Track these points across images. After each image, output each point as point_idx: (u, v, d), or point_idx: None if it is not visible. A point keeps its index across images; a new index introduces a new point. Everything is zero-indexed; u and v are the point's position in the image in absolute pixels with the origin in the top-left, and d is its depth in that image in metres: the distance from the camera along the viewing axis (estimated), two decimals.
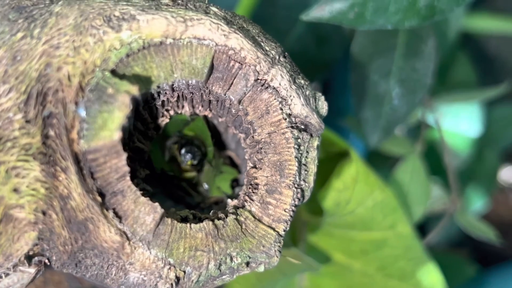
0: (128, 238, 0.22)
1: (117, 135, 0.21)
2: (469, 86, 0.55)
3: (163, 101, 0.25)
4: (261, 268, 0.25)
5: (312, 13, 0.31)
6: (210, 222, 0.24)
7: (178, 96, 0.25)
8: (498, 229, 0.48)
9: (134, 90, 0.21)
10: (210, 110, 0.27)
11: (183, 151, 0.29)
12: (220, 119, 0.27)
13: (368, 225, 0.38)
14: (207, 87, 0.24)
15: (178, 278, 0.24)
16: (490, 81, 0.57)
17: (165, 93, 0.24)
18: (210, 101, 0.26)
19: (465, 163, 0.57)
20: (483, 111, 0.56)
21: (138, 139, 0.26)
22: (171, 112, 0.26)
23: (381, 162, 0.48)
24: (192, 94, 0.25)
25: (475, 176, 0.60)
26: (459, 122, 0.55)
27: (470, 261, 0.64)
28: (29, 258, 0.23)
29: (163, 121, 0.26)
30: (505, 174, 0.70)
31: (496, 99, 0.52)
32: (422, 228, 0.54)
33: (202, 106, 0.26)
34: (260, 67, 0.24)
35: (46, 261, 0.23)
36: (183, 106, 0.26)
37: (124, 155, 0.21)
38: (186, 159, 0.29)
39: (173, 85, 0.24)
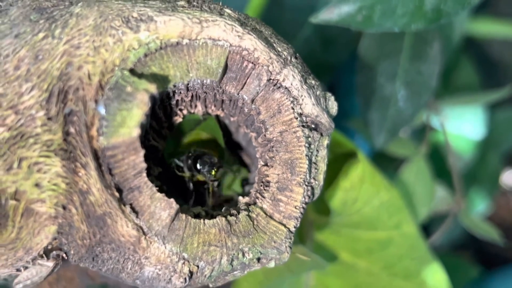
0: (144, 233, 0.23)
1: (135, 132, 0.22)
2: (472, 89, 0.56)
3: (177, 100, 0.26)
4: (272, 264, 0.26)
5: (321, 16, 0.32)
6: (223, 218, 0.25)
7: (192, 96, 0.26)
8: (500, 231, 0.48)
9: (153, 88, 0.22)
10: (222, 110, 0.27)
11: (198, 165, 0.28)
12: (231, 119, 0.28)
13: (374, 224, 0.38)
14: (220, 87, 0.25)
15: (191, 273, 0.24)
16: (493, 85, 0.58)
17: (180, 92, 0.25)
18: (222, 100, 0.26)
19: (468, 166, 0.58)
20: (486, 114, 0.57)
21: (153, 137, 0.27)
22: (185, 112, 0.27)
23: (386, 164, 0.49)
24: (206, 93, 0.25)
25: (478, 179, 0.61)
26: (463, 125, 0.56)
27: (473, 263, 0.64)
28: (47, 252, 0.23)
29: (177, 120, 0.27)
30: (507, 178, 0.71)
31: (498, 103, 0.53)
32: (426, 229, 0.54)
33: (215, 106, 0.27)
34: (273, 67, 0.25)
35: (64, 255, 0.23)
36: (196, 106, 0.27)
37: (142, 152, 0.22)
38: (209, 177, 0.28)
39: (188, 84, 0.24)
